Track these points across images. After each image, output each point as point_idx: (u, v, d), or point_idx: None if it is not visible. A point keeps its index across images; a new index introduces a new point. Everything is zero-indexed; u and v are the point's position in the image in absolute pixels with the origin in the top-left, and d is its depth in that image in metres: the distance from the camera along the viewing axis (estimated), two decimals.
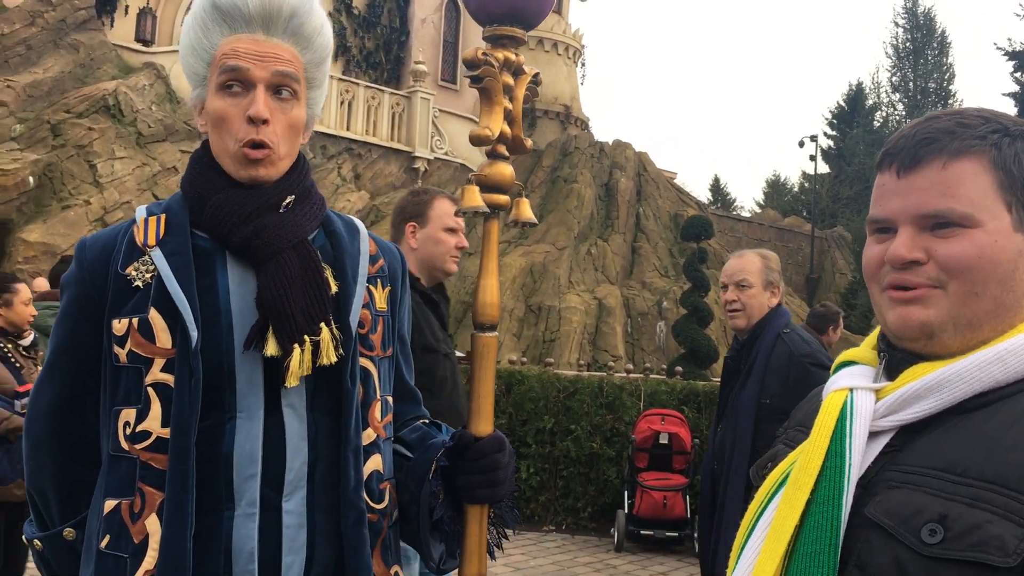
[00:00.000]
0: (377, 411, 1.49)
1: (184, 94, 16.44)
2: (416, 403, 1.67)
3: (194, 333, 1.32)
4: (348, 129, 19.70)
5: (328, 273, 1.44)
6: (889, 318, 0.98)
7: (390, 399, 1.54)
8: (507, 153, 1.50)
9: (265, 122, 1.38)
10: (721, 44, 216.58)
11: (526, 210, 1.54)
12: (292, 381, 1.34)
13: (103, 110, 13.95)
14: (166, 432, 1.32)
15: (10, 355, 4.28)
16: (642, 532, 7.29)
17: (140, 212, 1.48)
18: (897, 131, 1.04)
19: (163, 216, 1.44)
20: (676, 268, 20.56)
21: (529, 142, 1.57)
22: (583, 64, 29.67)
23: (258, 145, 1.39)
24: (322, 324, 1.37)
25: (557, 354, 16.95)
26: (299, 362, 1.34)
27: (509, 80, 1.47)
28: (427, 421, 1.65)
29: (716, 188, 47.27)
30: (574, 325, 17.96)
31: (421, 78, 20.80)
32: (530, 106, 26.93)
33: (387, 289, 1.56)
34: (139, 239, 1.42)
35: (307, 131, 1.50)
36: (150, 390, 1.35)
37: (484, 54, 1.44)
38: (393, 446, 1.56)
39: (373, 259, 1.55)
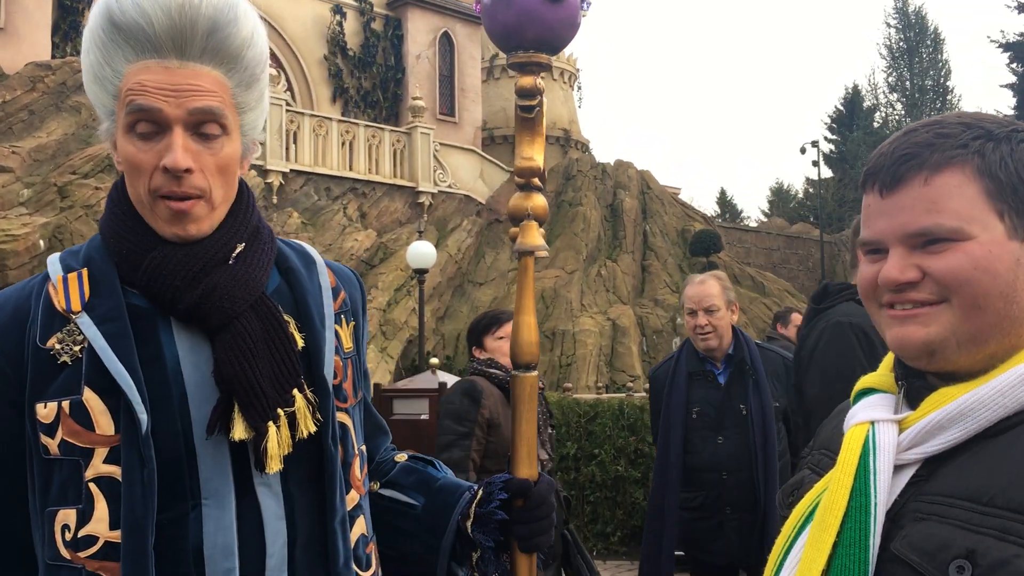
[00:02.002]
0: (357, 467, 1.30)
1: None
2: (385, 434, 1.51)
3: (143, 415, 1.09)
4: (351, 169, 19.82)
5: (292, 326, 1.23)
6: (889, 337, 0.95)
7: (364, 448, 1.37)
8: (540, 184, 1.41)
9: (188, 171, 1.13)
10: (716, 57, 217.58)
11: (536, 237, 1.47)
12: (273, 466, 1.14)
13: (108, 169, 14.10)
14: (116, 535, 1.09)
15: None
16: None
17: (53, 265, 1.22)
18: (877, 147, 1.00)
19: (85, 272, 1.19)
20: None
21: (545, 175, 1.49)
22: (579, 87, 29.83)
23: (179, 197, 1.14)
24: (294, 391, 1.17)
25: (574, 378, 16.89)
26: (277, 442, 1.14)
27: (545, 109, 1.42)
28: (412, 456, 1.49)
29: (723, 200, 47.30)
30: (589, 348, 17.92)
31: (419, 113, 20.95)
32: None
33: (351, 324, 1.36)
34: (59, 303, 1.16)
35: (245, 160, 1.26)
36: (92, 486, 1.11)
37: (540, 81, 1.36)
38: (379, 491, 1.41)
39: (335, 293, 1.34)
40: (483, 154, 23.30)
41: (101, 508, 1.11)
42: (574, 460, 7.91)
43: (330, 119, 19.97)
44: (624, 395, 9.87)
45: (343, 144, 19.84)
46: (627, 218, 21.83)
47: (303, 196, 18.41)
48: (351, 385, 1.32)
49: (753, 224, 38.44)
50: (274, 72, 19.43)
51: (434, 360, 11.69)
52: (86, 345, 1.13)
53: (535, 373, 1.39)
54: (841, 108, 42.81)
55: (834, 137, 41.82)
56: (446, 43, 24.50)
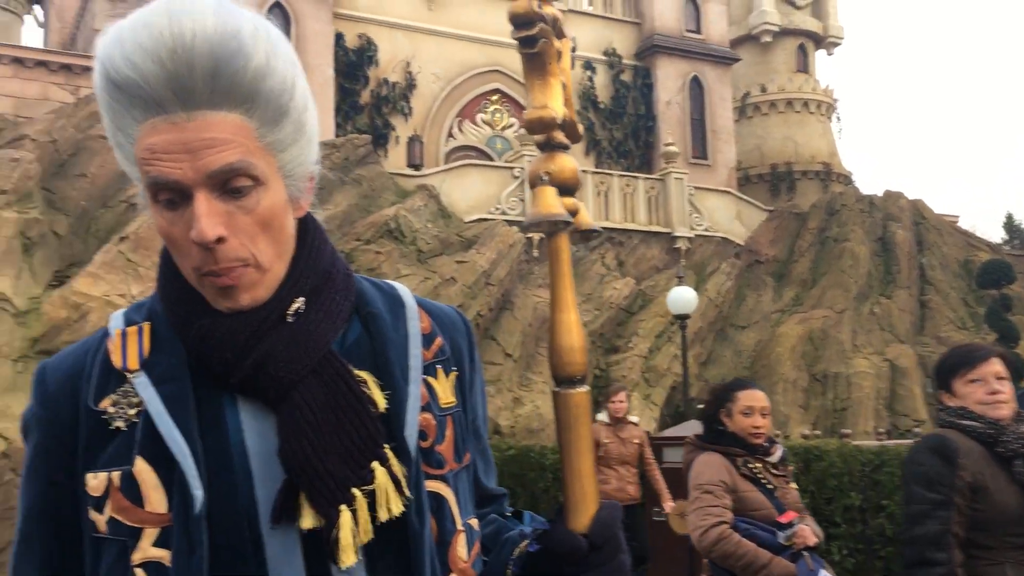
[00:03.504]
0: (460, 547, 1.09)
1: (454, 209, 17.70)
2: (500, 504, 1.28)
3: (197, 492, 0.95)
4: (607, 219, 20.18)
5: (371, 382, 1.05)
6: None
7: (474, 523, 1.14)
8: (567, 142, 1.14)
9: (220, 240, 0.96)
10: (987, 71, 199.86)
11: (585, 215, 1.19)
12: (347, 559, 0.96)
13: (387, 234, 15.34)
14: None
15: (760, 475, 3.64)
16: None
17: (115, 320, 1.09)
18: None
19: (147, 326, 1.06)
20: (975, 319, 18.84)
21: (581, 126, 1.18)
22: (838, 118, 28.56)
23: (220, 272, 0.98)
24: (374, 465, 0.99)
25: (851, 423, 15.95)
26: (351, 532, 0.96)
27: (557, 45, 1.12)
28: (507, 514, 1.28)
29: (1010, 225, 43.05)
30: (866, 391, 16.86)
31: (672, 159, 20.99)
32: (787, 169, 26.35)
33: (452, 375, 1.15)
34: (116, 360, 1.04)
35: (302, 201, 1.08)
36: (139, 573, 0.96)
37: (539, 6, 1.07)
38: None
39: (428, 340, 1.14)
40: (739, 195, 22.87)
41: None
42: (859, 512, 7.47)
43: (585, 172, 20.50)
44: (911, 441, 9.21)
45: (598, 194, 20.25)
46: (900, 251, 20.46)
47: None
48: (450, 447, 1.11)
49: None
50: None
51: (701, 407, 11.53)
52: (142, 408, 1.00)
53: (584, 390, 1.12)
54: None
55: None
56: (695, 87, 24.44)
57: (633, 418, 8.16)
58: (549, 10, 1.08)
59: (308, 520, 0.96)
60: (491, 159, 21.00)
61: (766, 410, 3.73)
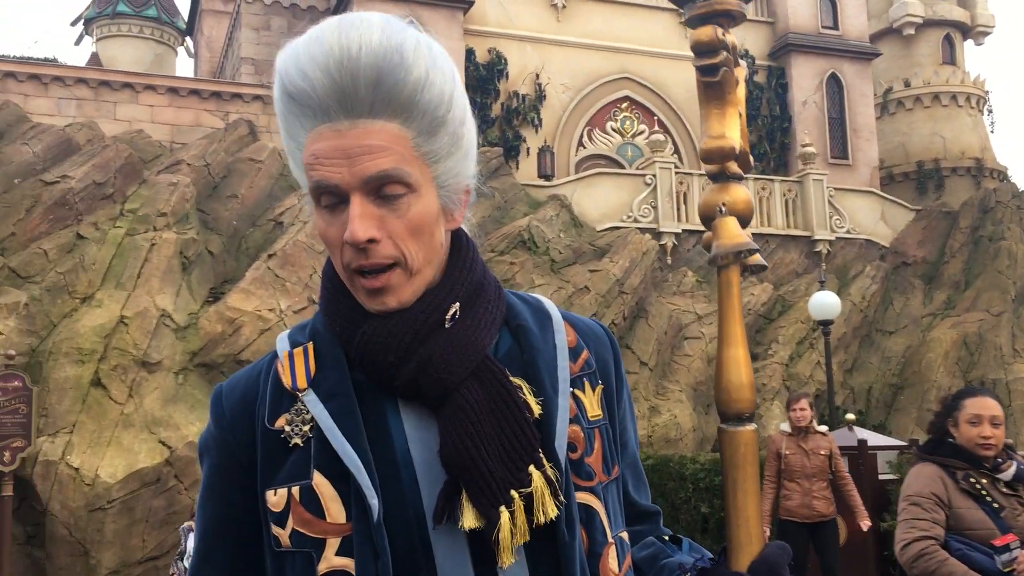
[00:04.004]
0: (611, 559, 1.11)
1: (586, 218, 17.72)
2: (654, 523, 1.28)
3: (373, 500, 1.00)
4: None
5: (525, 389, 1.08)
6: None
7: (625, 536, 1.16)
8: (741, 172, 1.12)
9: (372, 241, 1.01)
10: None
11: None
12: (507, 558, 1.00)
13: (520, 244, 15.51)
14: None
15: (984, 492, 3.34)
16: None
17: (282, 343, 1.15)
18: None
19: (310, 346, 1.11)
20: None
21: (751, 157, 1.15)
22: (990, 111, 27.01)
23: (370, 271, 1.03)
24: (531, 468, 1.02)
25: (1012, 432, 15.01)
26: (509, 532, 1.00)
27: (735, 73, 1.10)
28: (665, 537, 1.27)
29: None
30: None
31: (810, 160, 20.36)
32: (935, 167, 25.08)
33: (598, 388, 1.17)
34: (286, 381, 1.09)
35: (455, 212, 1.11)
36: None
37: (723, 34, 1.06)
38: None
39: (575, 353, 1.16)
40: (882, 194, 21.95)
41: None
42: None
43: None
44: None
45: None
46: None
47: (696, 255, 18.68)
48: (599, 460, 1.13)
49: None
50: (661, 137, 20.10)
51: (849, 416, 11.11)
52: (314, 424, 1.05)
53: (752, 428, 1.09)
54: None
55: None
56: (834, 84, 23.64)
57: (821, 427, 7.59)
58: (730, 38, 1.08)
59: (469, 520, 1.00)
60: (622, 167, 20.92)
61: (997, 420, 3.37)
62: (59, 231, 11.70)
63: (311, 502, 1.03)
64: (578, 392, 1.14)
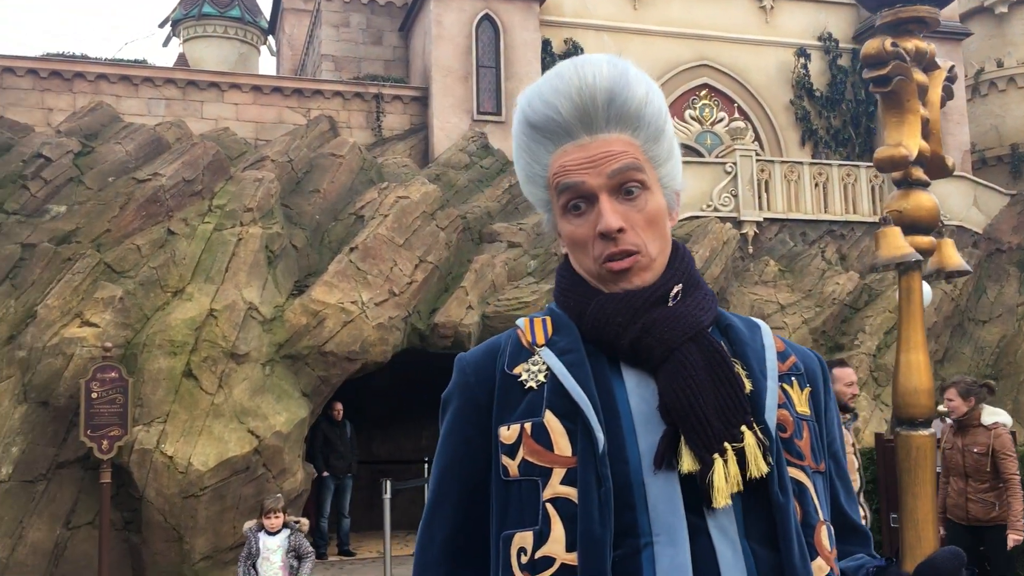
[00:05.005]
0: (824, 537, 1.20)
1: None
2: (865, 544, 1.34)
3: (600, 435, 1.13)
4: (826, 211, 19.30)
5: (738, 366, 1.22)
6: None
7: (831, 528, 1.24)
8: (927, 178, 1.13)
9: (621, 231, 1.22)
10: None
11: (952, 255, 1.13)
12: (721, 499, 1.10)
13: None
14: (572, 558, 1.11)
15: None
16: None
17: (520, 320, 1.35)
18: None
19: (548, 318, 1.31)
20: None
21: (951, 160, 1.11)
22: None
23: (619, 256, 1.23)
24: (743, 427, 1.15)
25: None
26: (724, 476, 1.11)
27: (922, 78, 1.08)
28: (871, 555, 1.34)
29: None
30: None
31: None
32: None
33: (807, 390, 1.29)
34: (525, 339, 1.28)
35: (672, 213, 1.32)
36: (549, 507, 1.14)
37: (893, 45, 1.07)
38: None
39: (782, 356, 1.30)
40: (975, 179, 21.17)
41: (558, 529, 1.13)
42: None
43: (801, 163, 19.70)
44: None
45: (816, 186, 19.41)
46: None
47: (779, 243, 18.32)
48: (808, 447, 1.24)
49: None
50: (741, 124, 19.75)
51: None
52: (548, 372, 1.22)
53: (928, 432, 1.10)
54: None
55: None
56: None
57: (990, 418, 6.65)
58: (910, 44, 1.03)
59: (687, 464, 1.12)
60: (701, 155, 20.63)
61: None
62: (151, 227, 12.08)
63: (541, 436, 1.18)
64: (786, 386, 1.27)
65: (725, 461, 1.11)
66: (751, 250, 17.87)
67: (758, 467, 1.12)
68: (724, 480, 1.11)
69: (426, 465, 13.18)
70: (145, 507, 10.13)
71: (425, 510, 1.30)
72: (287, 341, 11.55)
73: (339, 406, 12.51)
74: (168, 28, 23.63)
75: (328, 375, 11.57)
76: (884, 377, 15.50)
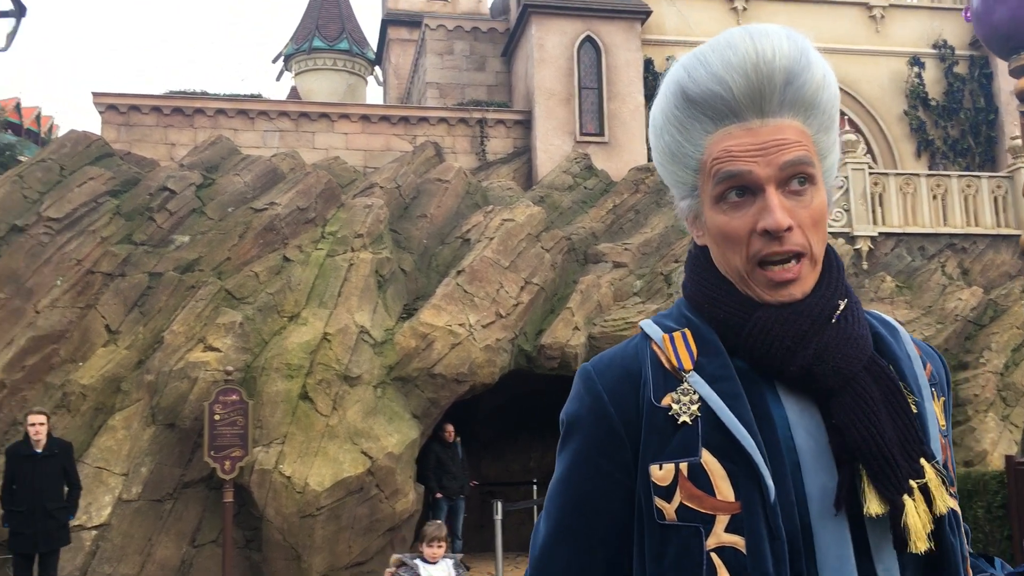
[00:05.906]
0: (970, 568, 1.13)
1: None
2: (990, 562, 1.26)
3: (770, 482, 1.03)
4: (945, 224, 18.54)
5: (903, 389, 1.12)
6: None
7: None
8: None
9: (788, 229, 1.08)
10: None
11: None
12: (920, 544, 1.02)
13: None
14: None
15: None
16: None
17: (651, 327, 1.19)
18: None
19: (688, 332, 1.15)
20: None
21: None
22: None
23: (783, 260, 1.09)
24: (922, 461, 1.06)
25: None
26: (917, 516, 1.02)
27: None
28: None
29: None
30: None
31: (1021, 153, 18.83)
32: None
33: (941, 400, 1.20)
34: (668, 362, 1.13)
35: (830, 211, 1.17)
36: (714, 556, 1.04)
37: None
38: None
39: (922, 363, 1.20)
40: None
41: None
42: None
43: (917, 175, 19.00)
44: None
45: (934, 198, 18.69)
46: None
47: (895, 258, 17.68)
48: (951, 468, 1.15)
49: None
50: (852, 137, 19.20)
51: None
52: (701, 405, 1.08)
53: None
54: None
55: None
56: None
57: None
58: None
59: (875, 506, 1.03)
60: None
61: None
62: (268, 254, 12.54)
63: (699, 479, 1.06)
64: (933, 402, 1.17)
65: (914, 501, 1.03)
66: (866, 266, 17.30)
67: (944, 503, 1.04)
68: (919, 522, 1.03)
69: (535, 487, 13.20)
70: (265, 526, 10.44)
71: (543, 540, 1.17)
72: (397, 364, 11.77)
73: (450, 427, 12.65)
74: (281, 63, 24.56)
75: (437, 397, 11.73)
76: (1012, 397, 14.73)
